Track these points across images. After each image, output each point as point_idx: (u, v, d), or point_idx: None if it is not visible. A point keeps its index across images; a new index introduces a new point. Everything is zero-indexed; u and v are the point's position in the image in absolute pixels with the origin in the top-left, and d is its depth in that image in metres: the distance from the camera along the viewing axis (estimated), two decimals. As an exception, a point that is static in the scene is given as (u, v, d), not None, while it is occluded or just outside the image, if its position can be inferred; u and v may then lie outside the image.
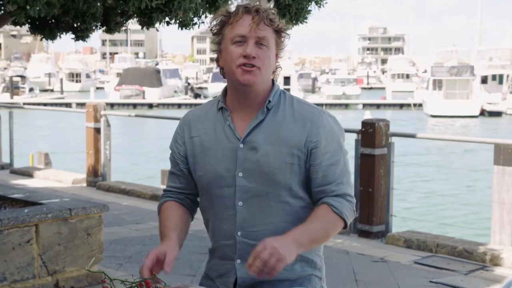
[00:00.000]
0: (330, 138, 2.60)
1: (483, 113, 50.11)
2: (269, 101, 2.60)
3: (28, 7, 5.20)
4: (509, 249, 7.51)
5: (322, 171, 2.57)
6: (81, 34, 6.99)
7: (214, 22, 2.62)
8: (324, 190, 2.58)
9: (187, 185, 2.74)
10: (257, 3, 2.63)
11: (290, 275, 2.61)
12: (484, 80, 57.14)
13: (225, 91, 2.69)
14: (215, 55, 2.68)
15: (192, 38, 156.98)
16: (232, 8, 2.62)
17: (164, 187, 11.42)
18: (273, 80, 2.67)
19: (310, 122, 2.58)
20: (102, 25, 7.11)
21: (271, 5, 6.53)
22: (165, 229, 2.69)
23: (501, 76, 56.61)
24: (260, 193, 2.57)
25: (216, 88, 64.98)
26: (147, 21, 6.07)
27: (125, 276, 6.39)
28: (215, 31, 2.61)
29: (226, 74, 2.62)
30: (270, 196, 2.57)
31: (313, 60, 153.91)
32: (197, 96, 62.41)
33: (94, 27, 6.93)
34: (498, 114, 50.58)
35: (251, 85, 2.55)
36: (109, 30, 7.15)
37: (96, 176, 11.94)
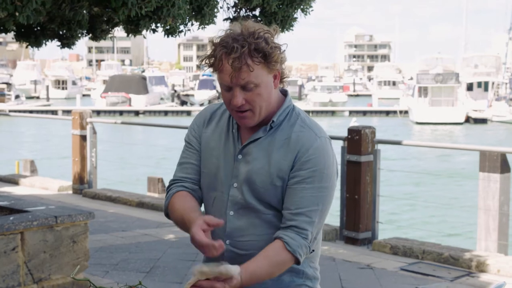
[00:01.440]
0: (314, 169, 2.54)
1: (468, 120, 50.35)
2: (273, 121, 2.60)
3: (17, 13, 5.19)
4: (494, 256, 7.54)
5: (293, 197, 2.54)
6: (66, 42, 6.98)
7: (204, 64, 2.58)
8: (288, 217, 2.54)
9: (199, 176, 2.73)
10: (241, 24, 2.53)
11: (278, 285, 2.61)
12: (469, 87, 57.42)
13: None
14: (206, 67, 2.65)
15: (179, 45, 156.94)
16: (213, 47, 2.53)
17: (150, 194, 11.32)
18: (286, 95, 2.67)
19: (300, 148, 2.55)
20: (88, 33, 7.10)
21: (257, 12, 6.55)
22: (190, 213, 2.59)
23: (486, 83, 56.94)
24: (249, 205, 2.59)
25: (203, 95, 65.01)
26: (134, 29, 6.07)
27: (111, 284, 6.38)
28: (209, 66, 2.57)
29: None
30: (257, 210, 2.58)
31: (299, 67, 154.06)
32: (183, 103, 62.36)
33: (80, 35, 6.93)
34: (483, 121, 50.84)
35: (249, 126, 2.59)
36: (95, 38, 7.15)
37: (82, 184, 11.91)
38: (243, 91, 2.50)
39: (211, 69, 2.55)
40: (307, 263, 2.66)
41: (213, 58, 2.51)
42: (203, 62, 2.57)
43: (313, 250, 2.61)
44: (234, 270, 2.35)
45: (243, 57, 2.45)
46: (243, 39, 2.46)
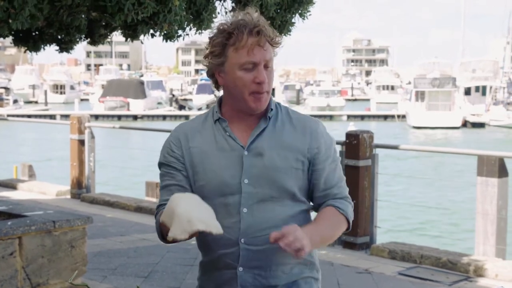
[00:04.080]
0: (328, 144, 2.69)
1: (465, 124, 50.38)
2: (271, 110, 2.65)
3: (10, 20, 5.19)
4: (492, 260, 7.54)
5: (324, 176, 2.65)
6: (65, 46, 6.98)
7: (213, 41, 2.58)
8: (328, 194, 2.66)
9: None
10: (246, 13, 2.58)
11: (289, 278, 2.64)
12: (467, 91, 57.52)
13: (219, 102, 2.71)
14: (204, 67, 2.68)
15: (177, 49, 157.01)
16: (228, 25, 2.56)
17: (148, 199, 11.30)
18: None
19: (309, 130, 2.66)
20: (86, 37, 7.11)
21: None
22: None
23: (484, 88, 57.02)
24: (265, 198, 2.59)
25: (201, 100, 64.98)
26: (132, 34, 6.07)
27: (109, 289, 6.37)
28: (216, 52, 2.58)
29: (231, 95, 2.63)
30: (274, 200, 2.60)
31: (297, 71, 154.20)
32: (181, 107, 62.36)
33: (78, 39, 6.93)
34: (481, 125, 50.87)
35: (260, 110, 2.62)
36: (93, 42, 7.15)
37: (80, 188, 11.90)
38: (264, 71, 2.56)
39: (219, 48, 2.55)
40: (311, 255, 2.71)
41: (232, 36, 2.53)
42: (217, 38, 2.56)
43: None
44: None
45: (266, 33, 2.54)
46: (261, 19, 2.56)
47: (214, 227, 2.35)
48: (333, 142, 2.73)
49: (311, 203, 2.72)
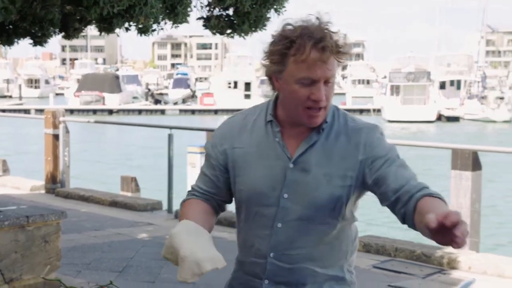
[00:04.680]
0: (387, 149, 2.42)
1: (440, 118, 50.72)
2: (326, 122, 2.43)
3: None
4: (466, 253, 7.60)
5: (393, 175, 2.35)
6: (39, 40, 6.94)
7: (273, 47, 2.36)
8: (408, 189, 2.32)
9: (217, 191, 2.57)
10: (316, 17, 2.35)
11: None
12: (442, 85, 57.89)
13: (274, 103, 2.50)
14: (264, 67, 2.44)
15: (153, 44, 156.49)
16: (292, 30, 2.33)
17: (123, 193, 11.26)
18: None
19: (365, 139, 2.41)
20: (60, 31, 7.06)
21: (231, 12, 6.55)
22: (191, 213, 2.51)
23: (459, 82, 57.44)
24: (303, 216, 2.42)
25: (177, 94, 64.89)
26: (107, 27, 6.05)
27: (83, 284, 6.35)
28: (275, 60, 2.37)
29: (285, 104, 2.43)
30: (311, 220, 2.42)
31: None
32: (157, 102, 62.22)
33: (52, 33, 6.89)
34: (456, 119, 51.25)
35: (317, 125, 2.41)
36: (67, 36, 7.11)
37: (54, 183, 11.84)
38: (323, 87, 2.35)
39: (278, 57, 2.34)
40: (346, 268, 2.56)
41: (293, 46, 2.30)
42: (277, 45, 2.34)
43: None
44: None
45: (332, 47, 2.31)
46: (327, 29, 2.34)
47: (219, 261, 2.26)
48: (392, 148, 2.44)
49: (355, 217, 2.53)
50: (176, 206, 10.28)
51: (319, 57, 2.30)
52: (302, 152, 2.41)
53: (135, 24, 6.04)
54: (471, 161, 8.05)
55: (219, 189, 2.56)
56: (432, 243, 8.19)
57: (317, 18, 2.35)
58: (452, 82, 58.19)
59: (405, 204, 2.31)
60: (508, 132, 43.46)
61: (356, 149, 2.40)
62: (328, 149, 2.42)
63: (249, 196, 2.48)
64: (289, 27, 2.35)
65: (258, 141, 2.48)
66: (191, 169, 10.36)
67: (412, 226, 2.31)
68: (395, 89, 51.57)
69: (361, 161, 2.39)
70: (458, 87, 57.08)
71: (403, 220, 2.34)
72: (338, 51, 2.33)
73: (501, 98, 51.60)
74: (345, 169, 2.40)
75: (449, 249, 7.77)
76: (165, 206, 10.64)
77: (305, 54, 2.29)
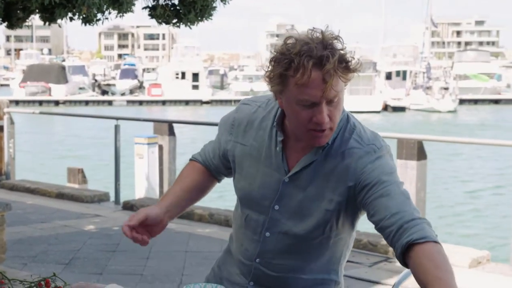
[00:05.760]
0: (386, 173, 2.23)
1: (386, 108, 51.28)
2: (328, 144, 2.28)
3: None
4: (411, 241, 7.71)
5: (383, 206, 2.17)
6: (-19, 30, 6.82)
7: (272, 66, 2.18)
8: (396, 221, 2.13)
9: (209, 164, 2.58)
10: (320, 32, 2.15)
11: None
12: (388, 76, 58.51)
13: (282, 112, 2.34)
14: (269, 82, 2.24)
15: (100, 34, 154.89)
16: (291, 48, 2.13)
17: (70, 185, 11.12)
18: None
19: (355, 164, 2.26)
20: (3, 21, 6.94)
21: (176, 1, 6.52)
22: (167, 193, 2.56)
23: (404, 72, 58.12)
24: (291, 231, 2.36)
25: (124, 85, 64.39)
26: (49, 17, 5.97)
27: (28, 276, 6.28)
28: (275, 82, 2.19)
29: (289, 122, 2.29)
30: (298, 237, 2.36)
31: (221, 56, 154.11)
32: (104, 92, 61.74)
33: (-6, 23, 6.77)
34: (402, 109, 51.89)
35: (321, 145, 2.27)
36: (11, 26, 6.99)
37: (-1, 175, 11.69)
38: (326, 108, 2.17)
39: (277, 79, 2.17)
40: (336, 271, 2.48)
41: (291, 66, 2.12)
42: (276, 65, 2.16)
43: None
44: None
45: (334, 67, 2.10)
46: (330, 45, 2.13)
47: None
48: (393, 171, 2.26)
49: (355, 227, 2.43)
50: (123, 197, 10.23)
51: (320, 78, 2.11)
52: (300, 168, 2.32)
53: (77, 14, 5.97)
54: (416, 151, 8.16)
55: (216, 167, 2.58)
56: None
57: (322, 32, 2.15)
58: (398, 73, 58.84)
59: (398, 240, 2.13)
60: (452, 122, 44.19)
61: (346, 173, 2.28)
62: (325, 169, 2.30)
63: (243, 197, 2.46)
64: (291, 41, 2.16)
65: (260, 143, 2.39)
66: (139, 160, 10.31)
67: (404, 264, 2.19)
68: (342, 80, 51.96)
69: (349, 188, 2.27)
70: (404, 78, 57.75)
71: (395, 253, 2.20)
72: (342, 70, 2.13)
73: (446, 89, 52.41)
74: (334, 193, 2.30)
75: (395, 237, 7.88)
76: (112, 197, 10.56)
77: (305, 76, 2.10)
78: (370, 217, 2.23)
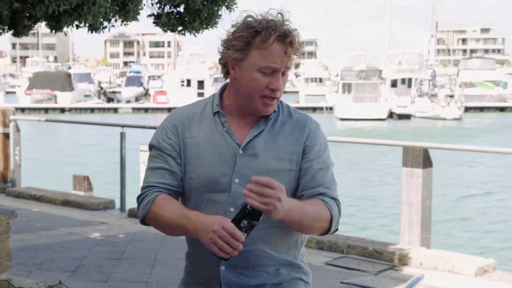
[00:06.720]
0: (323, 147, 2.62)
1: (391, 116, 51.21)
2: (274, 111, 2.61)
3: None
4: (417, 249, 7.70)
5: (311, 174, 2.55)
6: (-13, 38, 6.83)
7: (237, 33, 2.50)
8: (312, 193, 2.53)
9: (178, 183, 2.59)
10: (278, 13, 2.52)
11: (275, 279, 2.58)
12: (393, 83, 58.45)
13: (221, 92, 2.64)
14: (218, 54, 2.57)
15: (105, 41, 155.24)
16: (257, 22, 2.49)
17: (75, 192, 11.10)
18: None
19: (308, 130, 2.60)
20: (9, 28, 6.96)
21: (181, 9, 6.53)
22: (188, 211, 2.47)
23: (410, 80, 58.03)
24: None
25: (129, 92, 64.44)
26: (55, 25, 5.98)
27: (34, 284, 6.28)
28: (238, 47, 2.49)
29: (239, 92, 2.56)
30: None
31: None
32: (110, 100, 61.73)
33: (1, 30, 6.79)
34: (407, 116, 51.80)
35: (267, 114, 2.57)
36: (17, 34, 7.01)
37: (5, 182, 11.69)
38: (281, 78, 2.53)
39: (241, 43, 2.47)
40: (300, 258, 2.66)
41: (258, 36, 2.46)
42: (241, 31, 2.48)
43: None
44: None
45: (294, 43, 2.49)
46: (288, 25, 2.51)
47: None
48: (327, 147, 2.65)
49: None
50: (129, 204, 10.23)
51: (282, 49, 2.47)
52: (250, 138, 2.55)
53: (83, 22, 5.98)
54: (422, 158, 8.15)
55: (178, 180, 2.59)
56: (384, 240, 8.19)
57: (280, 13, 2.50)
58: (403, 80, 58.79)
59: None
60: (458, 129, 44.10)
61: (300, 136, 2.58)
62: (274, 136, 2.57)
63: (200, 184, 2.55)
64: (251, 19, 2.50)
65: (208, 130, 2.58)
66: (144, 168, 10.29)
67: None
68: (346, 87, 51.90)
69: (303, 149, 2.57)
70: (409, 85, 57.68)
71: None
72: (297, 47, 2.51)
73: (451, 96, 52.31)
74: (291, 154, 2.56)
75: (400, 246, 7.86)
76: (117, 205, 10.56)
77: (270, 44, 2.46)
78: (300, 180, 2.56)
